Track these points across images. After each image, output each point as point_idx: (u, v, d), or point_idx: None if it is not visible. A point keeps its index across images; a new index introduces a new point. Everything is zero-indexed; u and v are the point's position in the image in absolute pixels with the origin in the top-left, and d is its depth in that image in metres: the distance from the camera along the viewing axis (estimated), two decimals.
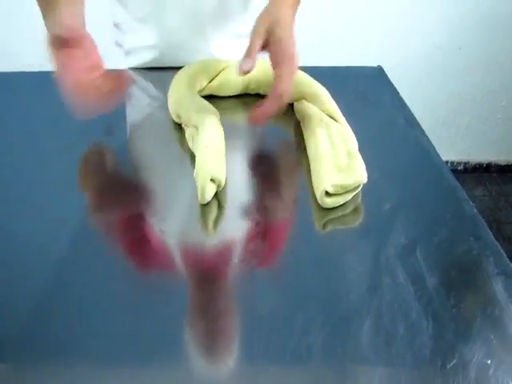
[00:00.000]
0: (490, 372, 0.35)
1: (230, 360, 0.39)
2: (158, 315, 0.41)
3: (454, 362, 0.36)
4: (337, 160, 0.55)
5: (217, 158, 0.54)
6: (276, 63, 0.58)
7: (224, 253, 0.49)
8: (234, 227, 0.52)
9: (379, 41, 1.69)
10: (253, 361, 0.38)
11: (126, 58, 0.82)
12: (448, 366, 0.36)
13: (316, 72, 0.72)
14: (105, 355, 0.38)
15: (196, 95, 0.67)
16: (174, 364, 0.38)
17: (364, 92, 0.78)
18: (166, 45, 0.77)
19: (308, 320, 0.40)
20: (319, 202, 0.52)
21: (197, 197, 0.52)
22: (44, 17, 0.60)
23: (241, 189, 0.59)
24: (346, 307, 0.41)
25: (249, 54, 0.58)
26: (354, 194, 0.53)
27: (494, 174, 1.97)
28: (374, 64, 0.88)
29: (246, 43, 0.61)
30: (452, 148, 1.90)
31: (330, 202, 0.51)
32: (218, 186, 0.53)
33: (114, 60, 0.74)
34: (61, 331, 0.40)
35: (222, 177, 0.53)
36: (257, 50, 0.59)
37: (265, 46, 0.59)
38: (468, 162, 1.96)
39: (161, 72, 0.81)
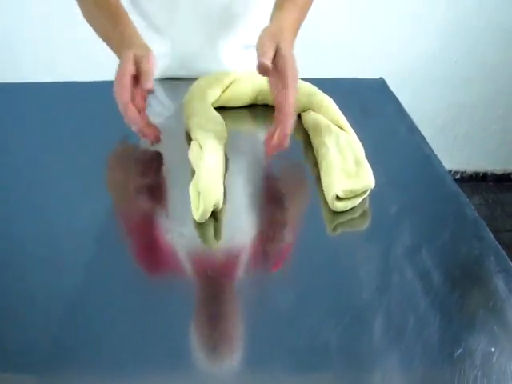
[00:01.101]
0: (494, 359, 0.38)
1: (237, 362, 0.40)
2: (166, 319, 0.42)
3: (461, 350, 0.39)
4: (346, 167, 0.58)
5: (219, 183, 0.56)
6: (282, 77, 0.57)
7: (236, 254, 0.51)
8: (244, 231, 0.55)
9: (378, 51, 1.74)
10: (266, 360, 0.40)
11: None
12: (455, 355, 0.39)
13: (321, 84, 0.76)
14: (115, 360, 0.40)
15: (208, 108, 0.70)
16: (181, 367, 0.39)
17: (368, 103, 0.82)
18: (178, 55, 0.81)
19: (322, 317, 0.43)
20: (330, 206, 0.55)
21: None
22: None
23: (251, 195, 0.61)
24: (359, 304, 0.44)
25: (263, 54, 0.57)
26: (362, 198, 0.56)
27: (491, 183, 2.01)
28: (374, 74, 0.92)
29: (253, 53, 0.61)
30: (449, 157, 1.94)
31: (340, 205, 0.54)
32: (216, 208, 0.55)
33: None
34: (67, 338, 0.41)
35: (221, 201, 0.55)
36: (271, 52, 0.57)
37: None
38: (465, 171, 2.00)
39: (173, 82, 0.85)
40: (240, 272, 0.49)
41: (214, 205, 0.53)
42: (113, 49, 0.70)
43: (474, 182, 2.00)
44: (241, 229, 0.55)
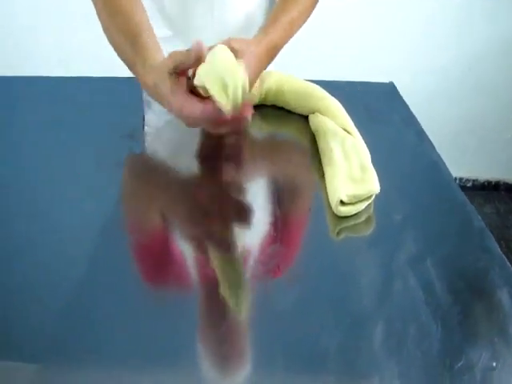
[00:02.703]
0: (495, 373, 0.37)
1: (243, 370, 0.40)
2: (169, 322, 0.43)
3: (461, 363, 0.38)
4: (351, 171, 0.57)
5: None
6: None
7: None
8: (250, 234, 0.54)
9: (389, 56, 1.72)
10: (266, 365, 0.39)
11: None
12: (455, 367, 0.38)
13: (328, 86, 0.75)
14: (116, 357, 0.40)
15: None
16: (187, 374, 0.39)
17: (376, 107, 0.81)
18: None
19: (323, 323, 0.42)
20: (334, 210, 0.54)
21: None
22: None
23: (257, 198, 0.61)
24: (360, 310, 0.44)
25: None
26: (367, 204, 0.56)
27: (503, 192, 1.98)
28: (383, 78, 0.91)
29: None
30: (461, 165, 1.92)
31: (344, 210, 0.54)
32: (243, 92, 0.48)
33: None
34: (67, 330, 0.42)
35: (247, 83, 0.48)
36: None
37: None
38: (477, 180, 1.97)
39: None
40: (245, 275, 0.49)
41: (243, 86, 0.48)
42: (136, 76, 0.63)
43: (486, 190, 1.97)
44: (244, 231, 0.55)
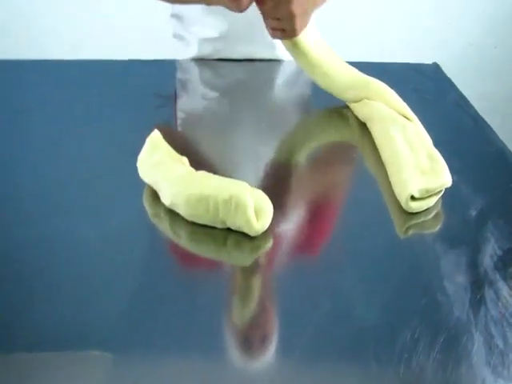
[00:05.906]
0: None
1: (269, 354, 0.37)
2: (198, 308, 0.40)
3: None
4: (418, 162, 0.52)
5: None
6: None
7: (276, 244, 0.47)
8: (286, 220, 0.50)
9: (411, 36, 1.65)
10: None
11: (185, 49, 0.80)
12: None
13: (366, 68, 0.68)
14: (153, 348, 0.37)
15: None
16: (210, 357, 0.37)
17: (422, 91, 0.75)
18: (233, 38, 0.76)
19: (414, 335, 0.37)
20: (403, 206, 0.49)
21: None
22: None
23: (297, 188, 0.56)
24: (452, 322, 0.38)
25: None
26: (438, 198, 0.50)
27: None
28: (408, 59, 0.84)
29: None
30: None
31: (415, 206, 0.48)
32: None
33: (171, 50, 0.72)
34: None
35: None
36: None
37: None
38: None
39: (219, 63, 0.79)
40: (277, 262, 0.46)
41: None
42: None
43: None
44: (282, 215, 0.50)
